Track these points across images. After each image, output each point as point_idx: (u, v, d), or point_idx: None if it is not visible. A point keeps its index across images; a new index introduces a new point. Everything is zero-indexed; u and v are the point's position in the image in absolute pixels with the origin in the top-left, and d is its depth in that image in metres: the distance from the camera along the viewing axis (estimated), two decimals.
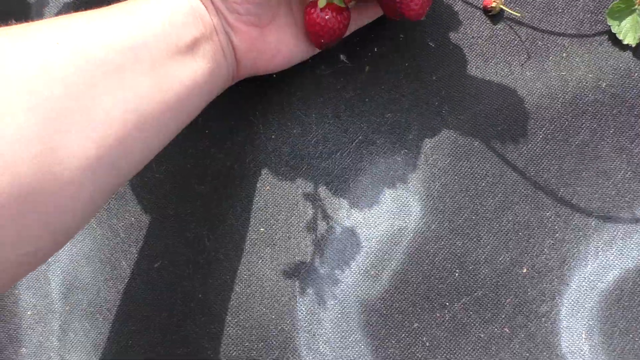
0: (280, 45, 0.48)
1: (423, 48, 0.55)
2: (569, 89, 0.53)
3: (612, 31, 0.54)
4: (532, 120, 0.52)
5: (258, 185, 0.52)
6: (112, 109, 0.37)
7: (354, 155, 0.52)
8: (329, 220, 0.50)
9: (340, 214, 0.51)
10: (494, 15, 0.56)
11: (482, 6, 0.56)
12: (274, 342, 0.49)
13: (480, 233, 0.49)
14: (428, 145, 0.52)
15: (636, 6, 0.54)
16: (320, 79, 0.54)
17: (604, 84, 0.53)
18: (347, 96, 0.54)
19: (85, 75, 0.37)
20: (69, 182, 0.35)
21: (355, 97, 0.54)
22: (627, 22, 0.54)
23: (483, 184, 0.51)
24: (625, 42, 0.54)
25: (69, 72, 0.36)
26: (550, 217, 0.50)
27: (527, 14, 0.56)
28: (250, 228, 0.51)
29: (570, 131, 0.52)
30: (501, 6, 0.55)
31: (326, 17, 0.47)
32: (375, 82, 0.54)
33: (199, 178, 0.53)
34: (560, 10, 0.55)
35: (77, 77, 0.37)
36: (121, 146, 0.38)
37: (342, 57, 0.55)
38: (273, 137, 0.53)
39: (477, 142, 0.52)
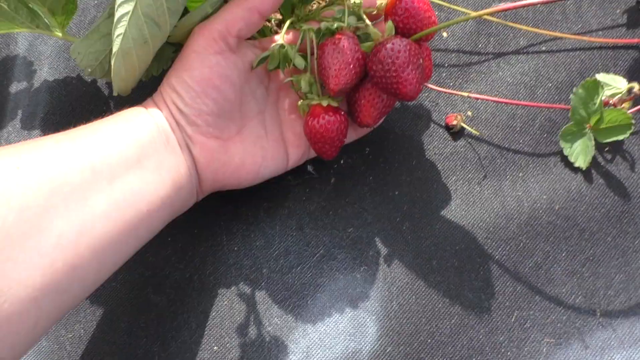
0: (245, 159, 0.47)
1: (387, 162, 0.57)
2: (525, 209, 0.55)
3: (564, 153, 0.57)
4: (489, 240, 0.54)
5: (216, 300, 0.52)
6: (65, 233, 0.37)
7: (315, 270, 0.53)
8: (285, 341, 0.51)
9: (296, 334, 0.50)
10: (456, 133, 0.58)
11: (444, 124, 0.59)
12: None
13: (434, 358, 0.51)
14: (388, 263, 0.53)
15: (587, 130, 0.57)
16: (288, 189, 0.55)
17: (557, 206, 0.55)
18: (312, 208, 0.55)
19: (42, 198, 0.37)
20: (8, 317, 0.35)
21: (319, 209, 0.55)
22: (578, 145, 0.57)
23: (440, 305, 0.53)
24: (576, 165, 0.56)
25: (25, 198, 0.37)
26: (504, 342, 0.52)
27: (487, 132, 0.58)
28: (203, 346, 0.51)
29: (525, 253, 0.54)
30: (462, 124, 0.58)
31: (329, 121, 0.46)
32: (340, 194, 0.55)
33: (156, 288, 0.53)
34: (518, 129, 0.58)
35: (33, 201, 0.37)
36: (72, 271, 0.38)
37: (309, 167, 0.56)
38: (235, 249, 0.53)
39: (435, 261, 0.54)
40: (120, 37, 0.41)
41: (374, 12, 0.49)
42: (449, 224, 0.55)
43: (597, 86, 0.55)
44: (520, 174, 0.56)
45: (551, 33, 0.60)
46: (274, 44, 0.47)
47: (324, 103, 0.48)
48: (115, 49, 0.42)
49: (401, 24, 0.47)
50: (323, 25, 0.46)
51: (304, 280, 0.52)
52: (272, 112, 0.49)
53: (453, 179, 0.56)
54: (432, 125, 0.58)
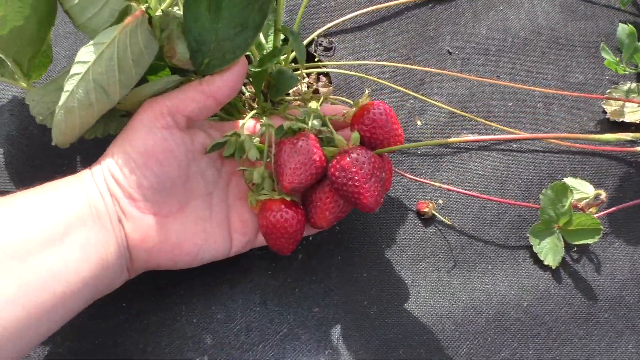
0: (183, 239, 0.45)
1: (356, 243, 0.56)
2: (493, 304, 0.55)
3: (534, 250, 0.58)
4: (457, 333, 0.54)
5: None
6: None
7: (277, 350, 0.51)
8: None
9: None
10: (427, 219, 0.59)
11: (415, 209, 0.59)
12: None
13: None
14: (353, 348, 0.52)
15: (555, 229, 0.58)
16: (252, 261, 0.54)
17: (525, 302, 0.55)
18: (277, 284, 0.53)
19: None
20: None
21: (285, 285, 0.54)
22: (547, 243, 0.58)
23: None
24: (545, 263, 0.57)
25: None
26: None
27: (457, 221, 0.59)
28: None
29: (493, 348, 0.53)
30: (433, 212, 0.59)
31: (287, 215, 0.45)
32: (306, 271, 0.54)
33: (107, 357, 0.49)
34: (488, 222, 0.59)
35: None
36: None
37: None
38: (194, 321, 0.51)
39: (402, 350, 0.52)
40: (67, 94, 0.41)
41: (341, 120, 0.50)
42: (417, 311, 0.54)
43: (566, 190, 0.57)
44: (489, 267, 0.57)
45: (519, 137, 0.62)
46: (230, 132, 0.47)
47: (276, 197, 0.46)
48: (60, 103, 0.41)
49: (367, 134, 0.47)
50: (286, 124, 0.46)
51: (266, 359, 0.49)
52: (221, 195, 0.48)
53: (422, 265, 0.56)
54: (404, 210, 0.59)
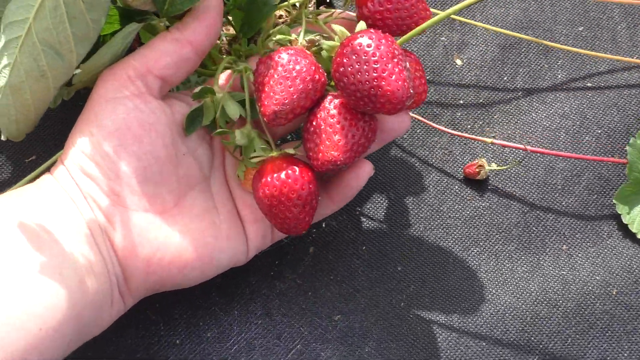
0: (189, 240, 0.43)
1: (386, 227, 0.55)
2: (572, 294, 0.53)
3: (623, 221, 0.55)
4: (527, 334, 0.52)
5: None
6: None
7: None
8: None
9: None
10: (478, 189, 0.56)
11: (462, 176, 0.57)
12: None
13: None
14: None
15: None
16: (249, 262, 0.51)
17: (615, 290, 0.53)
18: (283, 287, 0.52)
19: None
20: None
21: (293, 288, 0.52)
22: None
23: None
24: (639, 236, 0.55)
25: None
26: None
27: (518, 190, 0.56)
28: None
29: (575, 352, 0.52)
30: (488, 169, 0.56)
31: (289, 176, 0.42)
32: (322, 269, 0.53)
33: None
34: (559, 188, 0.57)
35: None
36: None
37: None
38: (178, 342, 0.50)
39: None
40: (9, 68, 0.40)
41: (340, 19, 0.47)
42: (472, 311, 0.52)
43: None
44: (564, 247, 0.55)
45: (601, 55, 0.60)
46: (199, 88, 0.44)
47: (275, 155, 0.43)
48: (1, 83, 0.40)
49: (379, 16, 0.43)
50: (271, 44, 0.45)
51: None
52: (220, 177, 0.47)
53: (475, 250, 0.55)
54: (446, 179, 0.57)
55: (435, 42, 0.61)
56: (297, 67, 0.42)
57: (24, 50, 0.40)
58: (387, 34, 0.41)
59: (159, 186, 0.43)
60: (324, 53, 0.43)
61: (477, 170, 0.56)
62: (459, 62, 0.61)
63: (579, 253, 0.55)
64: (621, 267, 0.54)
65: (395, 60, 0.40)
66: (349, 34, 0.42)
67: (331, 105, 0.43)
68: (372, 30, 0.41)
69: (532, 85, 0.60)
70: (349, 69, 0.40)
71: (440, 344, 0.51)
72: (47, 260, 0.39)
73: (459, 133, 0.58)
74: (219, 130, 0.45)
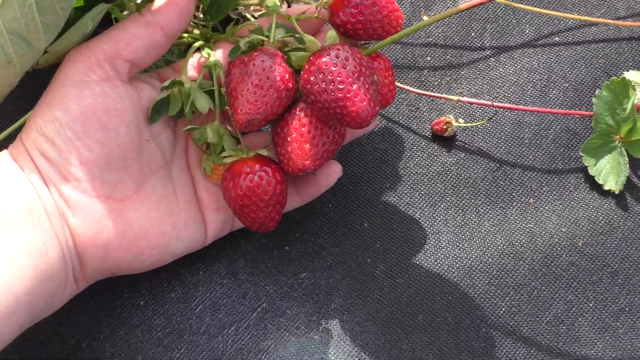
0: (147, 229, 0.43)
1: (352, 184, 0.55)
2: (538, 247, 0.53)
3: (589, 172, 0.55)
4: (493, 287, 0.52)
5: None
6: None
7: (255, 330, 0.50)
8: None
9: None
10: (445, 145, 0.56)
11: (429, 133, 0.56)
12: None
13: None
14: (357, 319, 0.50)
15: (616, 142, 0.55)
16: None
17: (581, 241, 0.54)
18: (249, 247, 0.52)
19: None
20: None
21: (260, 248, 0.52)
22: (606, 162, 0.55)
23: None
24: (605, 188, 0.55)
25: None
26: None
27: (485, 144, 0.56)
28: None
29: (542, 303, 0.52)
30: (455, 125, 0.55)
31: (261, 177, 0.44)
32: (287, 227, 0.53)
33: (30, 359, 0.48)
34: (527, 142, 0.56)
35: None
36: None
37: None
38: (141, 303, 0.50)
39: (422, 316, 0.51)
40: None
41: (314, 18, 0.47)
42: (438, 266, 0.52)
43: (627, 87, 0.54)
44: (531, 200, 0.55)
45: (567, 16, 0.59)
46: (169, 81, 0.44)
47: (245, 155, 0.44)
48: None
49: (352, 26, 0.45)
50: (242, 42, 0.45)
51: (240, 344, 0.49)
52: (181, 163, 0.47)
53: (442, 205, 0.54)
54: (412, 136, 0.56)
55: None
56: (271, 76, 0.43)
57: None
58: (355, 48, 0.43)
59: (121, 173, 0.43)
60: (293, 61, 0.45)
61: (444, 127, 0.56)
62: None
63: (546, 206, 0.55)
64: (587, 219, 0.54)
65: (361, 79, 0.41)
66: (318, 44, 0.43)
67: (302, 113, 0.44)
68: (338, 46, 0.42)
69: (500, 41, 0.60)
70: (316, 87, 0.41)
71: (406, 299, 0.51)
72: (11, 242, 0.39)
73: (426, 92, 0.57)
74: (189, 127, 0.45)
